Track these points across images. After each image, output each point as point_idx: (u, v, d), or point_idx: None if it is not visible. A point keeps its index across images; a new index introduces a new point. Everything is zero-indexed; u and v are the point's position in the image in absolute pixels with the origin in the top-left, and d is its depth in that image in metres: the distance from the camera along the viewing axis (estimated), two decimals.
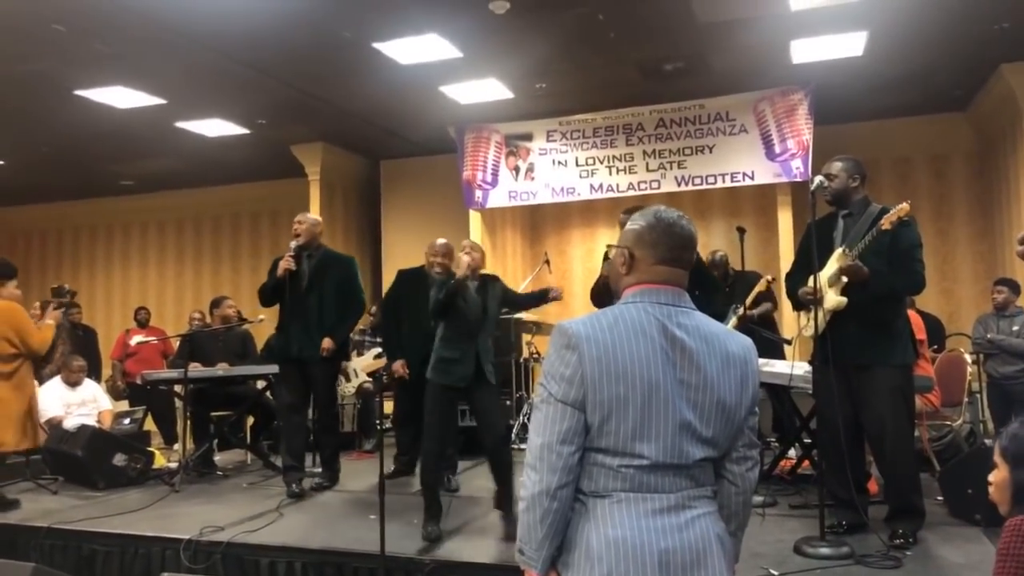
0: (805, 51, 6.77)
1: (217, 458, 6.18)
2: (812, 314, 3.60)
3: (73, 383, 6.41)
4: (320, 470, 5.23)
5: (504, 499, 3.88)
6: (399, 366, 4.97)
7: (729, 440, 1.63)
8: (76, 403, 6.33)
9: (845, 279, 3.57)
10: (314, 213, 9.63)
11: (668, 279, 1.65)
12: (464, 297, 3.93)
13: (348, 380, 7.44)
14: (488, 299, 4.05)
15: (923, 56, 6.86)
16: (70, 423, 5.88)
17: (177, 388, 6.05)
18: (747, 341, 1.68)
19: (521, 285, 8.55)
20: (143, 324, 8.67)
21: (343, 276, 5.16)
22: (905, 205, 3.48)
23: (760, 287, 5.38)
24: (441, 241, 4.82)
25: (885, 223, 3.47)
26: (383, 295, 5.28)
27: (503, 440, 4.08)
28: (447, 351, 3.93)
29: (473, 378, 3.90)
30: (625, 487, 1.55)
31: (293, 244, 5.08)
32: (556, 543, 1.57)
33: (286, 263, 4.99)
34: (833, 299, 3.60)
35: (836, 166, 3.75)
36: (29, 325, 4.69)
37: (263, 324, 6.14)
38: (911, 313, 5.35)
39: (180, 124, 8.34)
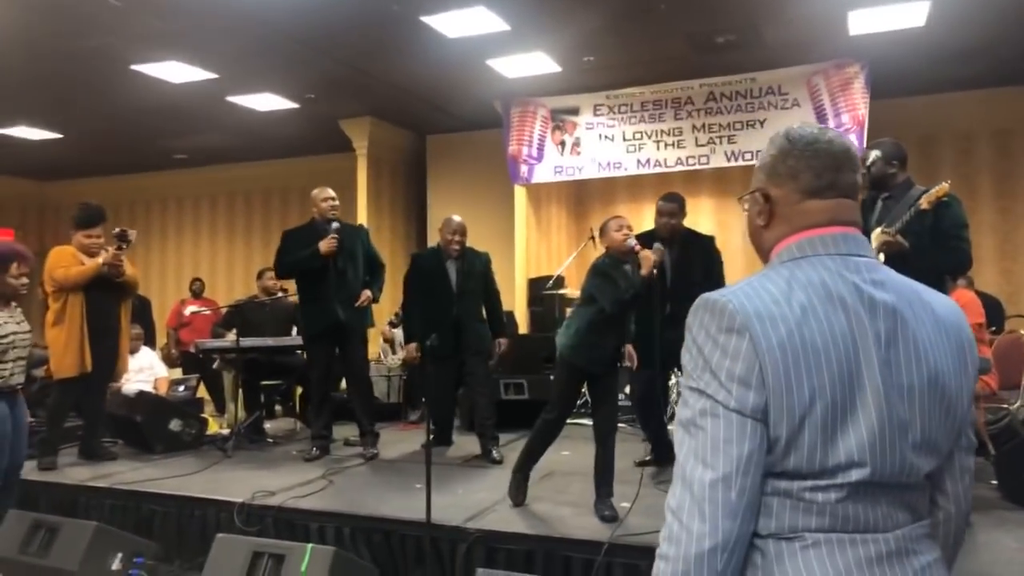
0: (863, 22, 6.54)
1: (267, 426, 6.34)
2: None
3: (131, 351, 6.61)
4: (362, 439, 5.28)
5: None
6: (412, 349, 5.35)
7: (950, 443, 1.17)
8: (134, 370, 6.54)
9: (882, 258, 3.47)
10: (361, 188, 9.74)
11: (834, 218, 1.17)
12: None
13: (394, 352, 7.54)
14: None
15: (987, 27, 6.58)
16: (128, 388, 6.09)
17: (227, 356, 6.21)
18: (951, 301, 1.22)
19: (566, 261, 8.54)
20: (197, 295, 8.90)
21: (366, 244, 5.49)
22: (945, 185, 3.46)
23: None
24: (457, 219, 5.18)
25: (924, 203, 3.45)
26: (404, 278, 5.47)
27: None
28: (594, 336, 3.77)
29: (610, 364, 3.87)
30: (822, 524, 1.08)
31: (336, 224, 5.22)
32: None
33: (332, 243, 5.11)
34: None
35: (872, 154, 3.76)
36: (58, 263, 4.92)
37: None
38: (969, 294, 5.23)
39: (231, 98, 8.47)
